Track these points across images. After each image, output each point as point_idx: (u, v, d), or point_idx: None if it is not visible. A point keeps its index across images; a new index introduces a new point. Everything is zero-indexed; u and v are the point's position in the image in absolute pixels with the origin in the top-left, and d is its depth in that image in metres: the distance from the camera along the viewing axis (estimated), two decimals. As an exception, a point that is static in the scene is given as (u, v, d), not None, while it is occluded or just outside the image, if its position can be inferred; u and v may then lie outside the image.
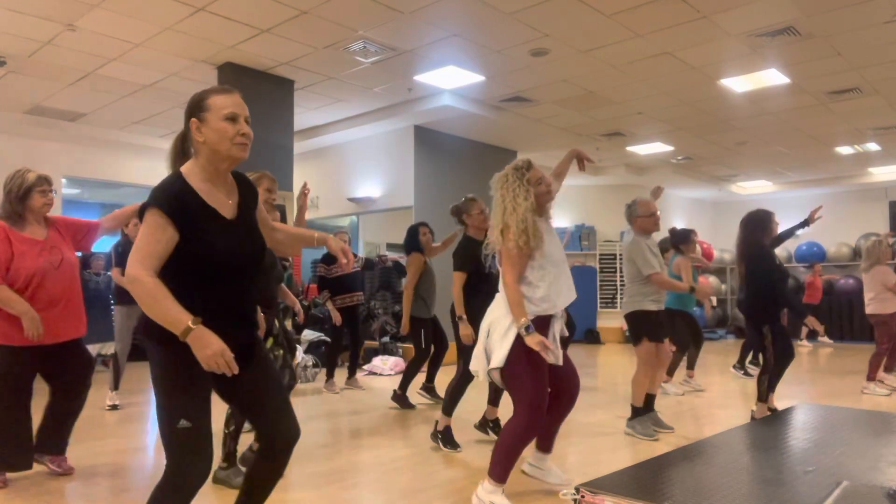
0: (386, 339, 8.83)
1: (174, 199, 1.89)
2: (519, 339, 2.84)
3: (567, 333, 3.11)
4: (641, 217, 4.47)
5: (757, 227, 4.75)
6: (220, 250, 1.93)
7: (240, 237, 2.00)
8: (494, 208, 3.06)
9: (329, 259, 6.52)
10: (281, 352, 3.42)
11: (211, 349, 1.80)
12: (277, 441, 2.07)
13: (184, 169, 1.98)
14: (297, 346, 7.91)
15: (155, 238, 1.85)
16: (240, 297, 2.01)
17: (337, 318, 6.47)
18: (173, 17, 5.69)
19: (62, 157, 8.91)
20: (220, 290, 1.95)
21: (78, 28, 5.88)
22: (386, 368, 8.00)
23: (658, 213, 4.52)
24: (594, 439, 4.38)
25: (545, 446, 3.20)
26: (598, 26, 5.91)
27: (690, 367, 6.54)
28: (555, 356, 2.90)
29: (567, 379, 3.06)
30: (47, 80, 7.27)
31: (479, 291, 4.21)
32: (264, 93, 7.16)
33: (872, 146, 10.63)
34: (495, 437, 4.20)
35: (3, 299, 3.24)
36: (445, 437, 4.11)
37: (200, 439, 1.91)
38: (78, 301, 3.55)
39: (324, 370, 6.90)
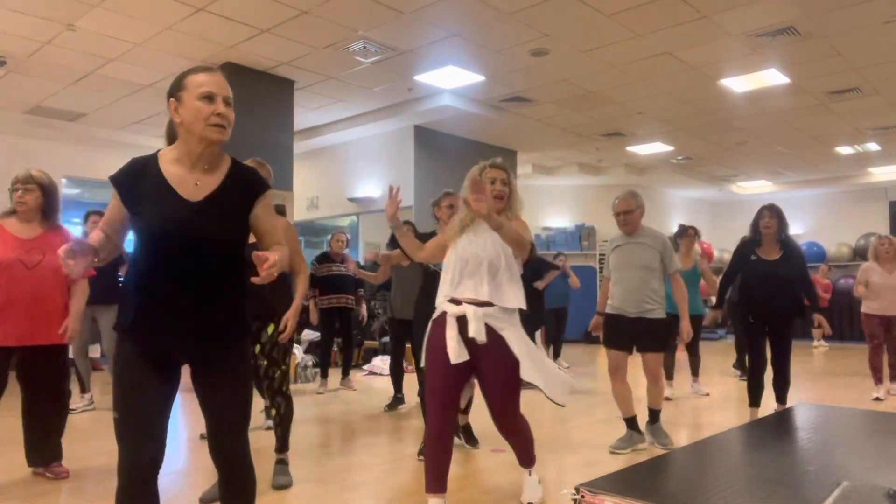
0: (386, 339, 8.82)
1: (125, 174, 1.88)
2: (428, 336, 2.84)
3: (483, 340, 2.70)
4: (614, 214, 4.27)
5: (752, 223, 4.75)
6: (164, 225, 1.82)
7: (195, 220, 1.84)
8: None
9: (321, 258, 6.53)
10: (265, 363, 3.27)
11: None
12: (216, 456, 1.96)
13: (162, 150, 1.95)
14: (298, 345, 7.92)
15: (109, 206, 1.90)
16: (196, 281, 1.86)
17: (314, 317, 6.48)
18: (173, 17, 5.69)
19: (62, 157, 8.91)
20: (171, 270, 1.85)
21: (78, 28, 5.89)
22: (385, 368, 7.98)
23: (622, 213, 4.17)
24: (594, 439, 4.38)
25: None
26: (598, 26, 5.91)
27: (693, 374, 6.38)
28: (453, 354, 2.70)
29: (493, 405, 2.84)
30: (47, 80, 7.27)
31: (429, 293, 3.81)
32: (264, 93, 7.17)
33: (872, 146, 10.63)
34: (463, 443, 4.16)
35: None
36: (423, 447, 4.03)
37: (131, 432, 1.84)
38: (51, 306, 3.42)
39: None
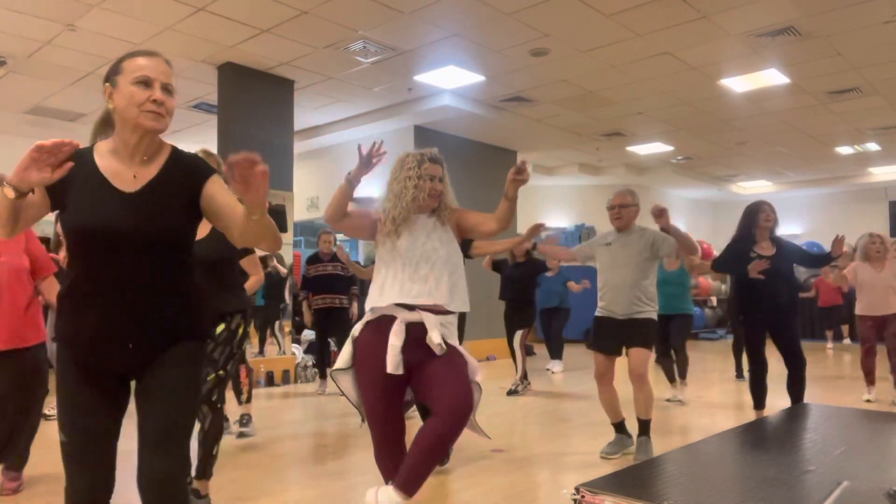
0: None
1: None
2: (358, 338, 2.60)
3: (442, 345, 2.47)
4: (608, 210, 4.11)
5: (746, 219, 4.59)
6: (95, 219, 1.65)
7: (130, 212, 1.66)
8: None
9: (311, 259, 6.52)
10: (212, 376, 2.87)
11: (28, 156, 1.57)
12: (140, 486, 1.68)
13: (99, 142, 1.77)
14: (298, 345, 7.92)
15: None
16: (132, 281, 1.67)
17: (308, 318, 6.47)
18: (173, 17, 5.69)
19: (62, 157, 8.91)
20: (106, 270, 1.67)
21: (78, 28, 5.89)
22: (386, 368, 7.99)
23: (617, 206, 4.02)
24: (594, 440, 4.38)
25: (401, 480, 2.39)
26: (598, 26, 5.91)
27: (681, 376, 6.05)
28: (392, 363, 2.44)
29: (438, 395, 2.44)
30: (47, 80, 7.27)
31: None
32: (264, 93, 7.16)
33: (872, 146, 10.64)
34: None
35: None
36: None
37: (78, 455, 1.67)
38: (13, 308, 3.20)
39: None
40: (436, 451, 2.41)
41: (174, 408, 1.70)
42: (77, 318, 1.69)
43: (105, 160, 1.71)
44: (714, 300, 12.67)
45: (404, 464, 2.41)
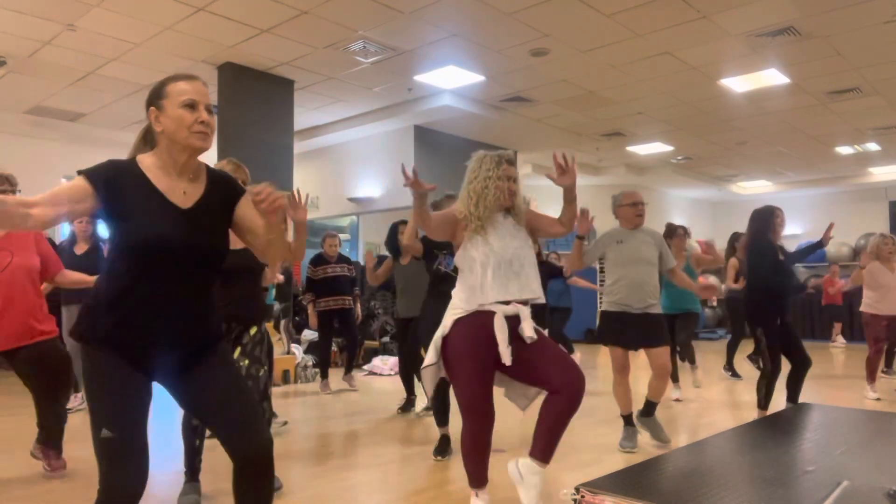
0: (386, 338, 8.83)
1: (106, 170, 1.79)
2: (449, 340, 2.71)
3: (534, 335, 2.67)
4: (623, 206, 4.20)
5: (760, 224, 4.63)
6: (155, 229, 1.77)
7: (186, 227, 1.82)
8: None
9: (316, 260, 6.49)
10: (246, 362, 3.15)
11: None
12: (239, 451, 1.86)
13: (139, 156, 1.87)
14: (298, 345, 7.92)
15: (64, 187, 1.74)
16: (179, 299, 1.82)
17: (312, 321, 6.45)
18: (173, 17, 5.69)
19: (62, 157, 8.91)
20: (158, 286, 1.79)
21: (78, 28, 5.89)
22: (386, 368, 7.99)
23: (640, 203, 4.14)
24: (594, 440, 4.38)
25: (535, 452, 2.66)
26: (598, 26, 5.91)
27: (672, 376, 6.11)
28: (503, 354, 2.61)
29: (557, 372, 2.66)
30: (47, 80, 7.27)
31: (441, 294, 3.87)
32: (264, 93, 7.16)
33: (872, 146, 10.63)
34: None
35: None
36: (438, 445, 4.05)
37: (125, 450, 1.75)
38: (27, 306, 3.32)
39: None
40: (565, 423, 2.65)
41: (247, 397, 1.94)
42: (127, 322, 1.78)
43: (155, 176, 1.83)
44: (714, 300, 12.65)
45: (538, 437, 2.65)
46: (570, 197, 2.83)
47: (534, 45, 6.39)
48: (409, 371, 5.62)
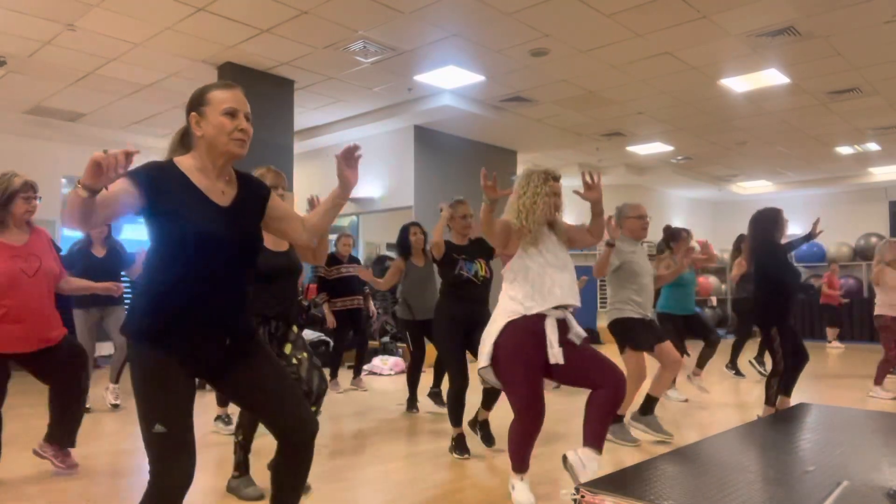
0: (386, 339, 8.83)
1: (150, 170, 1.86)
2: (500, 341, 2.94)
3: (584, 333, 3.06)
4: (630, 218, 4.35)
5: (767, 225, 4.70)
6: (200, 227, 1.87)
7: (227, 223, 1.92)
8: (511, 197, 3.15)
9: (329, 260, 6.48)
10: (305, 355, 3.31)
11: (91, 164, 1.63)
12: (291, 436, 2.00)
13: (177, 158, 1.96)
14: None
15: (112, 191, 1.76)
16: (222, 292, 1.93)
17: (331, 321, 6.43)
18: (173, 17, 5.69)
19: (62, 157, 8.91)
20: (203, 280, 1.88)
21: (78, 28, 5.89)
22: (386, 368, 8.00)
23: (647, 217, 4.40)
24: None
25: (589, 442, 2.96)
26: (598, 26, 5.91)
27: (700, 365, 6.18)
28: (553, 356, 2.89)
29: (600, 372, 2.96)
30: (47, 80, 7.27)
31: (459, 298, 4.16)
32: (264, 93, 7.16)
33: (872, 146, 10.63)
34: (480, 438, 4.20)
35: None
36: (457, 444, 4.09)
37: (178, 444, 1.83)
38: (49, 310, 3.45)
39: (326, 370, 6.88)
40: (612, 415, 2.99)
41: (291, 384, 2.09)
42: (176, 317, 1.87)
43: (195, 177, 1.93)
44: (714, 300, 12.66)
45: (590, 429, 2.96)
46: (597, 210, 3.15)
47: (534, 45, 6.39)
48: (419, 373, 5.63)
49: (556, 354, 2.89)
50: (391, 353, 8.58)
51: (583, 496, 2.60)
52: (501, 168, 10.39)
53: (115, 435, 4.67)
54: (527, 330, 2.92)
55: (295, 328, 3.35)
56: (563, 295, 2.99)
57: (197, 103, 1.95)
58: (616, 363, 3.05)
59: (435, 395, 5.66)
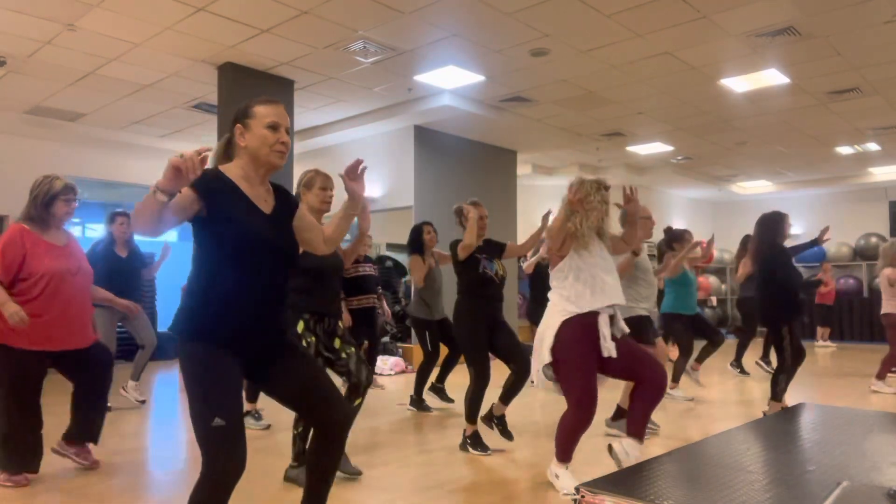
0: (386, 339, 8.83)
1: (209, 179, 2.00)
2: (559, 339, 3.17)
3: (627, 329, 3.32)
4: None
5: (772, 228, 4.87)
6: (252, 232, 2.03)
7: (272, 229, 2.09)
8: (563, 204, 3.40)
9: None
10: (352, 349, 3.46)
11: (170, 167, 1.78)
12: (328, 427, 2.15)
13: (223, 166, 2.11)
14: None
15: (178, 199, 1.92)
16: (270, 292, 2.08)
17: (347, 319, 6.44)
18: (173, 17, 5.69)
19: (62, 157, 8.91)
20: (253, 280, 2.03)
21: (78, 28, 5.88)
22: (386, 368, 8.00)
23: (653, 218, 4.58)
24: (594, 439, 4.38)
25: (634, 431, 3.25)
26: (598, 26, 5.91)
27: (699, 360, 6.19)
28: (607, 349, 3.14)
29: (645, 367, 3.21)
30: (47, 80, 7.27)
31: (481, 297, 4.22)
32: (264, 93, 7.13)
33: (872, 146, 10.63)
34: (499, 433, 4.22)
35: None
36: (474, 441, 4.10)
37: (234, 436, 1.95)
38: (88, 308, 3.64)
39: None
40: (653, 407, 3.28)
41: (325, 377, 2.21)
42: (228, 314, 2.01)
43: (242, 185, 2.09)
44: (714, 300, 12.67)
45: (633, 421, 3.24)
46: (631, 220, 3.57)
47: (534, 45, 6.39)
48: (430, 374, 5.64)
49: (609, 348, 3.14)
50: (391, 353, 8.59)
51: (583, 496, 2.60)
52: (501, 168, 10.40)
53: (134, 432, 4.67)
54: (583, 327, 3.17)
55: (341, 323, 3.53)
56: (612, 294, 3.25)
57: (242, 115, 2.12)
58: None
59: (439, 390, 5.69)
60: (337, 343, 3.44)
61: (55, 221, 3.51)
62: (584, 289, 3.22)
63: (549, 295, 3.36)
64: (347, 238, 3.64)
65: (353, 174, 2.26)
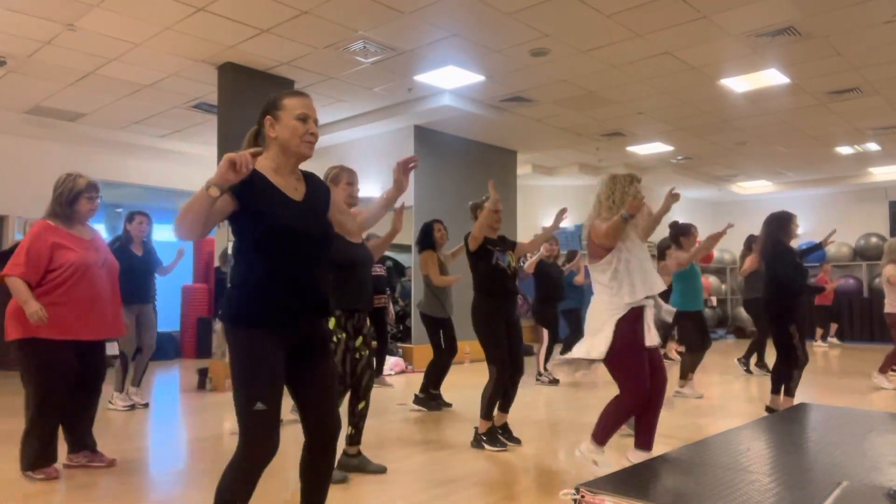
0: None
1: (241, 181, 2.01)
2: (619, 329, 3.22)
3: (670, 320, 3.50)
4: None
5: (778, 227, 4.90)
6: (285, 223, 2.06)
7: (305, 217, 2.13)
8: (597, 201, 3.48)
9: None
10: (367, 352, 3.49)
11: (225, 161, 1.86)
12: (317, 435, 2.19)
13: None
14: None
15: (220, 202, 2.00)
16: (307, 276, 2.12)
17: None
18: (173, 17, 5.69)
19: (62, 157, 8.91)
20: (289, 266, 2.08)
21: (78, 28, 5.88)
22: (386, 368, 7.99)
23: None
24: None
25: (641, 443, 3.37)
26: (598, 26, 5.91)
27: (690, 371, 6.15)
28: (650, 338, 3.27)
29: (653, 373, 3.30)
30: (47, 80, 7.27)
31: (496, 292, 4.23)
32: (264, 93, 7.12)
33: (872, 146, 10.63)
34: (507, 443, 4.20)
35: (13, 289, 3.38)
36: (490, 438, 4.09)
37: (272, 420, 2.03)
38: (119, 301, 3.75)
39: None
40: (657, 415, 3.43)
41: (333, 389, 2.28)
42: (273, 300, 2.07)
43: (272, 177, 2.13)
44: (714, 300, 12.67)
45: (639, 432, 3.38)
46: (659, 217, 3.73)
47: (534, 45, 6.39)
48: (446, 370, 5.63)
49: (653, 337, 3.27)
50: (391, 353, 8.58)
51: (583, 496, 2.60)
52: (501, 168, 10.39)
53: (134, 432, 4.67)
54: (636, 318, 3.26)
55: (368, 321, 3.58)
56: (657, 282, 3.35)
57: (272, 107, 2.15)
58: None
59: (434, 397, 5.63)
60: (358, 342, 3.49)
61: (79, 218, 3.60)
62: (636, 278, 3.28)
63: (595, 288, 3.40)
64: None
65: (406, 168, 2.45)
